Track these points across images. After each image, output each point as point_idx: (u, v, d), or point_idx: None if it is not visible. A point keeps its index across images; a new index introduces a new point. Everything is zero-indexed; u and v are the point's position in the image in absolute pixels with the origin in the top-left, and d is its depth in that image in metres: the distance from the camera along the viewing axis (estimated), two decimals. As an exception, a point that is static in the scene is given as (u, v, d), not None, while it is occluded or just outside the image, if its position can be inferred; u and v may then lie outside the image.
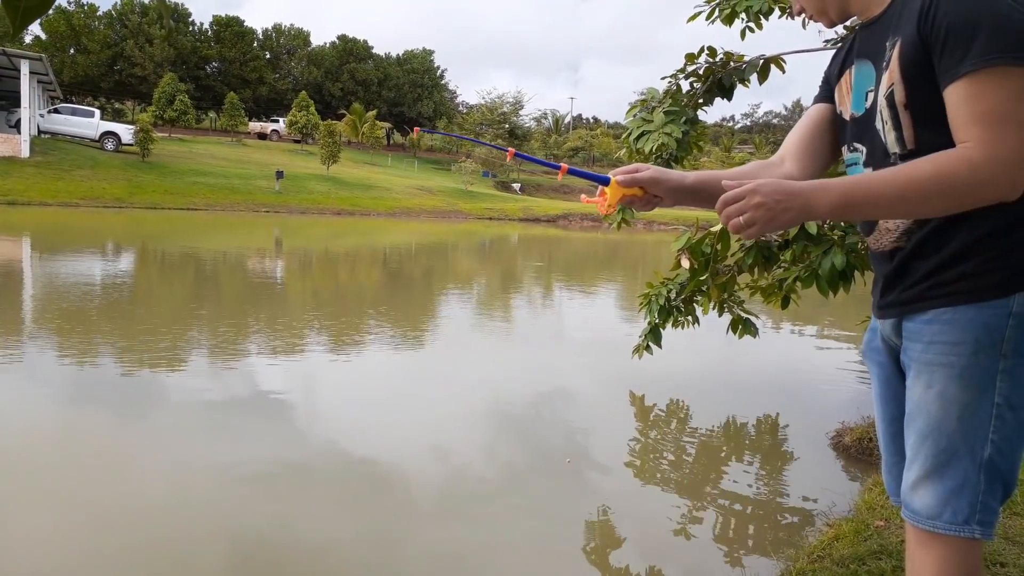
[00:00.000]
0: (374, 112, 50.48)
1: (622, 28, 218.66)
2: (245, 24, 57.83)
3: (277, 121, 52.98)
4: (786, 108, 75.37)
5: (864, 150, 1.43)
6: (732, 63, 4.09)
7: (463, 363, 6.67)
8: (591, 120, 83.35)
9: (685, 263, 4.11)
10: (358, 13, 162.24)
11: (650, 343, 4.69)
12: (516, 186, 49.77)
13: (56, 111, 34.20)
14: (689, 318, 4.59)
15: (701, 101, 4.18)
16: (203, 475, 3.67)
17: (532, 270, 16.44)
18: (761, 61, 4.06)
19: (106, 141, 33.32)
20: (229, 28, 56.90)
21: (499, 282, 13.70)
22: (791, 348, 8.00)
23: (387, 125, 55.49)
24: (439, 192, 38.95)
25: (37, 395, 4.95)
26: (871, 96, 1.38)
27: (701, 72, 4.13)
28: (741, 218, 1.25)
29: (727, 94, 4.16)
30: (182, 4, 56.43)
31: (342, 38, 62.81)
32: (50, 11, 0.94)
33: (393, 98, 61.67)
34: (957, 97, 1.22)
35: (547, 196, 48.56)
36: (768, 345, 7.68)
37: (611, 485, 3.87)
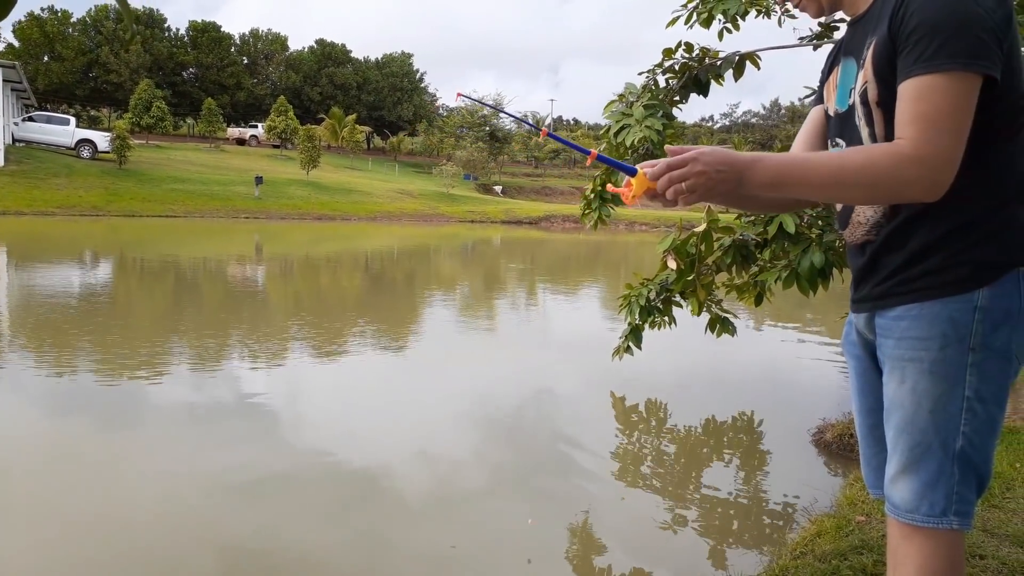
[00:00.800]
0: (353, 116, 50.22)
1: (604, 29, 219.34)
2: (222, 29, 57.48)
3: (256, 126, 52.61)
4: (764, 107, 75.89)
5: (844, 145, 1.46)
6: (708, 59, 4.11)
7: (448, 367, 6.65)
8: (572, 121, 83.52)
9: (672, 264, 4.12)
10: (336, 17, 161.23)
11: (631, 344, 4.69)
12: (498, 188, 49.75)
13: (30, 119, 33.71)
14: (666, 318, 4.59)
15: (677, 98, 4.19)
16: (189, 484, 3.63)
17: (515, 272, 16.44)
18: (737, 57, 4.09)
19: (82, 149, 32.89)
20: (206, 34, 56.48)
21: (482, 285, 13.69)
22: (772, 346, 8.06)
23: (367, 129, 55.27)
24: (420, 195, 38.85)
25: (18, 407, 4.87)
26: (853, 93, 1.41)
27: (677, 68, 4.14)
28: (683, 184, 1.27)
29: (703, 90, 4.18)
30: (157, 9, 56.12)
31: (320, 42, 62.55)
32: (8, 15, 0.92)
33: (373, 102, 61.47)
34: (905, 95, 1.25)
35: (529, 198, 48.59)
36: (749, 343, 7.73)
37: (596, 486, 3.87)
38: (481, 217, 35.70)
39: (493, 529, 3.37)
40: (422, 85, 66.63)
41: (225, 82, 56.45)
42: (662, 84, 4.21)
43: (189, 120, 57.62)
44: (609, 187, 1.57)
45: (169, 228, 23.42)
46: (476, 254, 21.39)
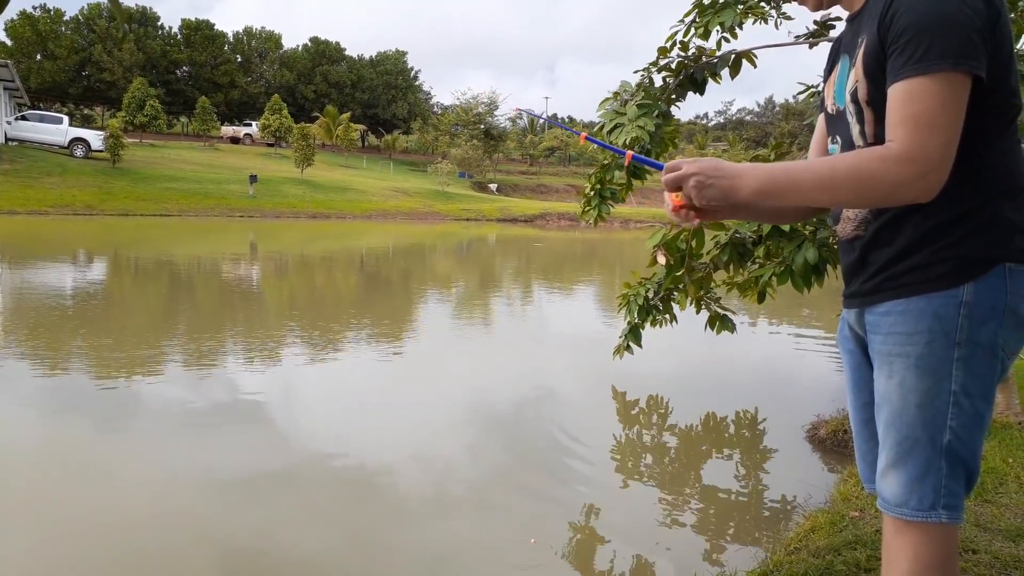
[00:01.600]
0: (348, 114, 50.11)
1: (599, 28, 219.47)
2: (215, 27, 57.19)
3: (250, 125, 52.44)
4: (759, 105, 76.02)
5: (840, 142, 1.48)
6: (704, 58, 4.12)
7: (445, 366, 6.66)
8: (567, 119, 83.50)
9: (661, 259, 4.13)
10: (330, 15, 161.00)
11: (630, 343, 4.70)
12: (493, 186, 49.70)
13: (23, 118, 33.54)
14: (667, 316, 4.61)
15: (674, 96, 4.20)
16: (185, 485, 3.63)
17: (511, 270, 16.44)
18: (732, 56, 4.10)
19: (75, 147, 32.75)
20: (199, 32, 56.24)
21: (478, 284, 13.69)
22: (769, 343, 8.08)
23: (361, 127, 55.16)
24: (415, 193, 38.81)
25: (11, 408, 4.86)
26: (846, 91, 1.42)
27: (673, 66, 4.15)
28: (690, 183, 1.36)
29: (699, 88, 4.19)
30: (151, 8, 55.68)
31: (314, 40, 62.35)
32: (1, 14, 0.92)
33: (367, 100, 61.33)
34: (894, 97, 1.26)
35: (524, 196, 48.58)
36: (746, 340, 7.75)
37: (594, 482, 3.89)
38: (476, 215, 35.68)
39: (490, 527, 3.38)
40: (416, 83, 66.52)
41: (219, 80, 56.25)
42: (658, 83, 4.21)
43: (183, 119, 57.41)
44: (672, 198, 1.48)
45: (163, 227, 23.35)
46: (472, 253, 21.39)
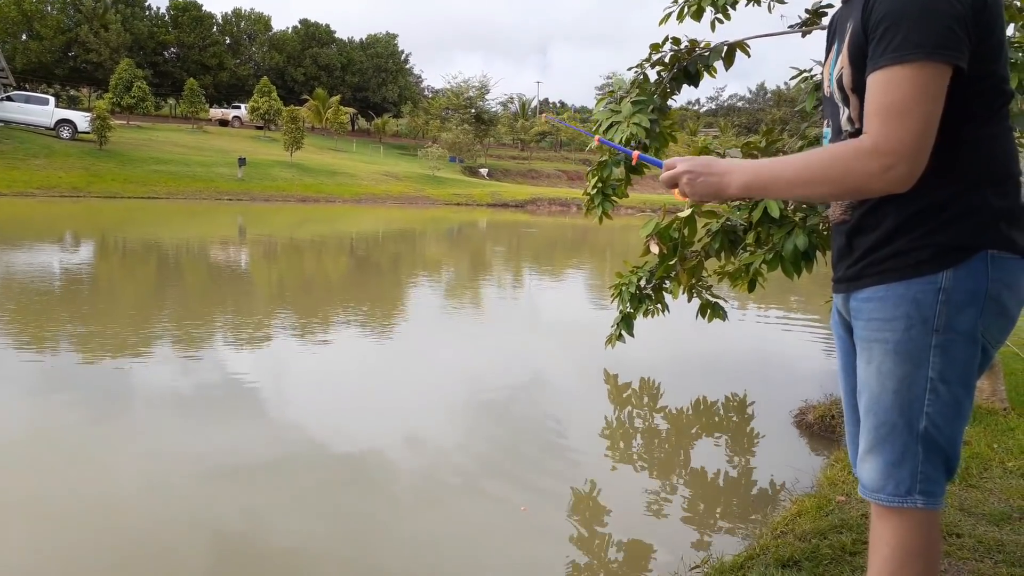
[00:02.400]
0: (338, 97, 49.80)
1: (592, 13, 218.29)
2: (203, 8, 56.58)
3: (239, 107, 51.97)
4: (750, 91, 76.00)
5: (832, 126, 1.49)
6: (697, 50, 4.11)
7: (437, 352, 6.67)
8: (558, 104, 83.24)
9: (654, 248, 4.14)
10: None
11: (623, 331, 4.72)
12: (483, 171, 49.57)
13: (8, 99, 33.11)
14: (658, 305, 4.63)
15: (669, 90, 4.20)
16: (175, 471, 3.63)
17: (502, 256, 16.43)
18: (725, 47, 4.09)
19: (61, 129, 32.40)
20: (187, 13, 55.61)
21: (469, 269, 13.68)
22: (759, 329, 8.12)
23: (351, 110, 54.82)
24: (406, 178, 38.67)
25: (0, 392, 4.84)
26: (833, 76, 1.43)
27: (667, 60, 4.14)
28: (683, 180, 1.44)
29: (693, 81, 4.19)
30: (138, -12, 54.99)
31: (304, 22, 61.82)
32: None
33: (357, 83, 60.95)
34: (871, 86, 1.26)
35: (515, 181, 48.50)
36: (736, 326, 7.78)
37: (584, 467, 3.91)
38: (467, 200, 35.60)
39: (482, 513, 3.40)
40: (407, 66, 66.14)
41: (207, 62, 55.70)
42: (653, 78, 4.21)
43: (171, 101, 56.92)
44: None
45: (151, 209, 23.18)
46: (463, 237, 21.35)
